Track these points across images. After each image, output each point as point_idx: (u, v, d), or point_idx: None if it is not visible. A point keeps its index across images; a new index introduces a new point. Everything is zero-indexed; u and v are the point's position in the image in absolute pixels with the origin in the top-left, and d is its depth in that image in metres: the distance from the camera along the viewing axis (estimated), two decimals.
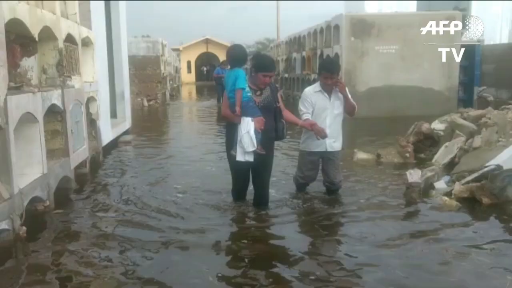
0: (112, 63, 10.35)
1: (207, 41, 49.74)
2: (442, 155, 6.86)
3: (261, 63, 4.73)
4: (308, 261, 3.85)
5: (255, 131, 4.55)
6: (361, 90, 13.08)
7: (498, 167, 5.35)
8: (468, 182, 5.40)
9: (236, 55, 4.70)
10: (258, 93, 4.73)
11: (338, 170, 5.59)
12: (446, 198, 5.26)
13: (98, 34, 8.07)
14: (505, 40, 19.72)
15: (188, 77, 48.92)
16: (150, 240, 4.25)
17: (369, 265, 3.71)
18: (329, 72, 5.24)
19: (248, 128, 4.55)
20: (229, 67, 4.78)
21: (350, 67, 13.23)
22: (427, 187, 5.60)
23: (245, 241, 4.24)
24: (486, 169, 5.42)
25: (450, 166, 6.45)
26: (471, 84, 14.27)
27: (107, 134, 8.68)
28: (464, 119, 7.64)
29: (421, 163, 6.99)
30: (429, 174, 5.77)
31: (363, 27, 13.15)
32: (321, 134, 5.08)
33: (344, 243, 4.22)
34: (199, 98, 27.42)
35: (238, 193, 5.19)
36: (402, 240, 4.21)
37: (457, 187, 5.35)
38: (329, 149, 5.37)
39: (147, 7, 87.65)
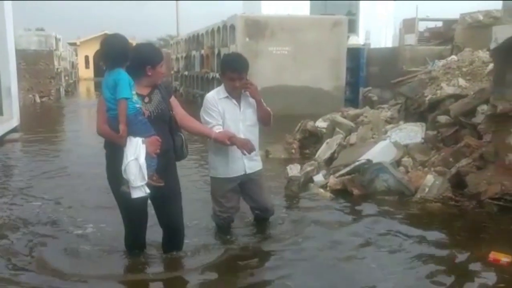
0: None
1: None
2: (324, 151, 7.38)
3: (144, 53, 3.48)
4: None
5: (148, 156, 3.30)
6: None
7: (368, 161, 5.91)
8: (341, 176, 5.92)
9: (113, 50, 3.27)
10: (147, 99, 3.46)
11: (266, 191, 4.62)
12: (321, 190, 5.75)
13: None
14: (389, 44, 21.26)
15: (86, 73, 46.96)
16: None
17: None
18: (235, 72, 4.09)
19: (137, 153, 3.24)
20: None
21: None
22: (307, 181, 6.06)
23: None
24: (357, 163, 5.97)
25: (330, 161, 6.94)
26: (357, 84, 15.31)
27: None
28: (344, 117, 8.28)
29: (305, 159, 7.46)
30: (308, 168, 6.26)
31: (257, 28, 13.61)
32: (248, 147, 3.96)
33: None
34: (96, 95, 26.55)
35: (136, 240, 3.79)
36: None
37: (332, 180, 5.85)
38: (249, 171, 4.31)
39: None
